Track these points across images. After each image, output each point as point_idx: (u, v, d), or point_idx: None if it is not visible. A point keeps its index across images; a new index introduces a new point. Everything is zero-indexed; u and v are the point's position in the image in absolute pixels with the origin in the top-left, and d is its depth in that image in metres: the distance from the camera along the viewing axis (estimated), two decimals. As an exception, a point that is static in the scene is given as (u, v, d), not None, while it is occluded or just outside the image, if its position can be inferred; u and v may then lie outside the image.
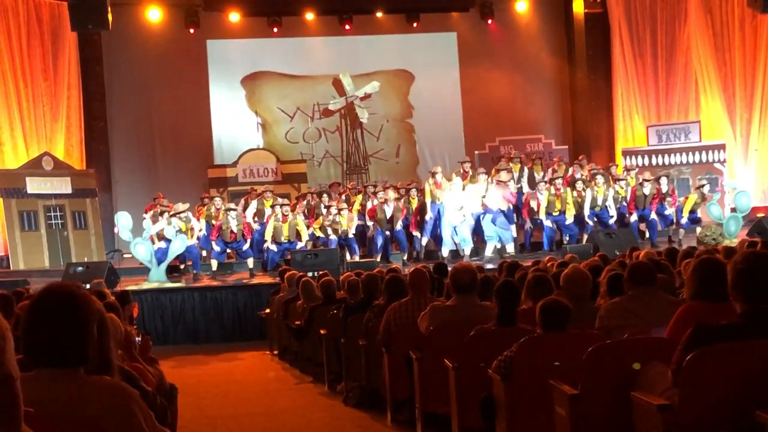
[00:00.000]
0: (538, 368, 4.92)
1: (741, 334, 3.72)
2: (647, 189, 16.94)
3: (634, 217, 16.92)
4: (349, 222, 16.48)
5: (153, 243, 15.64)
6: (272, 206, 16.69)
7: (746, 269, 3.72)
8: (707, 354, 3.71)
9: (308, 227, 16.59)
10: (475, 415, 5.60)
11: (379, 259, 16.29)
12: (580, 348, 4.54)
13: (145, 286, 15.17)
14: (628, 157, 20.16)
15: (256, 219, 16.92)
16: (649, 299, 5.42)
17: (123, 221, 15.90)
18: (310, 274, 12.74)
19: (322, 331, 9.66)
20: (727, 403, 3.68)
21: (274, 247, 16.16)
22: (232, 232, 16.00)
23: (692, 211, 17.03)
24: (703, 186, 17.17)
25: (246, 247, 16.18)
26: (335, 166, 22.29)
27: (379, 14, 21.96)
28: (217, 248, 16.15)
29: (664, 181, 17.10)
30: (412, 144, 22.81)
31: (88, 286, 10.86)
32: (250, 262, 16.32)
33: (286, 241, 16.19)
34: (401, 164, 22.44)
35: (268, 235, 16.20)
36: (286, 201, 16.92)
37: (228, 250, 16.74)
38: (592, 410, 4.44)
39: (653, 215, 16.90)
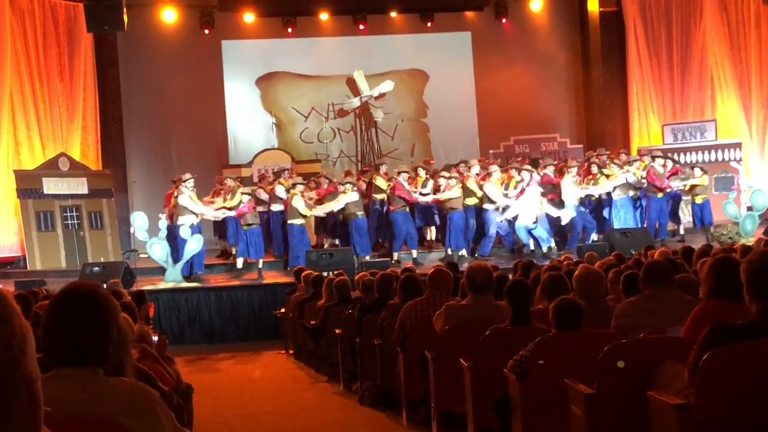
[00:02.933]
0: (553, 368, 4.93)
1: (757, 333, 3.71)
2: (658, 163, 17.00)
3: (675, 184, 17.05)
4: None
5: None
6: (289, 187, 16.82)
7: (761, 268, 3.70)
8: (724, 353, 3.70)
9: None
10: (490, 415, 5.61)
11: (395, 258, 16.33)
12: (596, 347, 4.54)
13: (161, 285, 15.23)
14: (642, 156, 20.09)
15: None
16: (665, 298, 5.41)
17: (139, 221, 15.96)
18: (325, 273, 12.75)
19: (337, 331, 9.67)
20: (744, 403, 3.67)
21: (299, 222, 16.23)
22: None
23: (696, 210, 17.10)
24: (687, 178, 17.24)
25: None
26: (350, 165, 22.28)
27: (393, 14, 21.95)
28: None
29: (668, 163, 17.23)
30: (426, 143, 22.80)
31: (104, 286, 10.92)
32: (240, 262, 16.36)
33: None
34: (416, 164, 22.41)
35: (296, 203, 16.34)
36: (301, 180, 16.99)
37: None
38: (608, 410, 4.44)
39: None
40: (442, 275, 7.43)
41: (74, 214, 18.05)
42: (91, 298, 2.67)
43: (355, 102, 22.12)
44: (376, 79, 22.12)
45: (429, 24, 21.97)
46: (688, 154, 19.62)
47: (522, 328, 5.66)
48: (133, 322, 5.24)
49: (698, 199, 17.00)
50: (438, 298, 7.16)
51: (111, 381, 2.63)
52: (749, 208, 17.30)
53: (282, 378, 11.26)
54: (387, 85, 22.09)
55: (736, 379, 3.69)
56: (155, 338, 6.89)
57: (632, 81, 21.30)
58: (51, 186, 17.82)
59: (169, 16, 21.05)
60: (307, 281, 12.06)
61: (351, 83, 22.17)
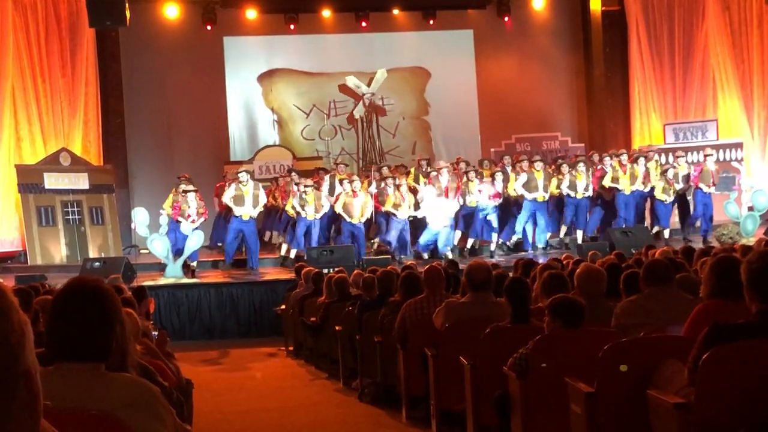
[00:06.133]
0: (554, 366, 4.92)
1: (757, 332, 3.71)
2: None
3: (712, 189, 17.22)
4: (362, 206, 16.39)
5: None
6: (341, 181, 16.86)
7: (761, 268, 3.70)
8: (724, 353, 3.71)
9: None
10: (490, 413, 5.61)
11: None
12: (596, 346, 4.54)
13: (162, 281, 15.24)
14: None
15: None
16: (665, 297, 5.41)
17: (140, 217, 15.97)
18: (325, 270, 12.75)
19: (337, 328, 9.68)
20: (744, 402, 3.67)
21: (356, 220, 16.22)
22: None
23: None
24: (666, 171, 17.22)
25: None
26: (351, 163, 22.27)
27: (395, 11, 21.93)
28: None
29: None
30: (428, 141, 22.79)
31: (105, 281, 10.92)
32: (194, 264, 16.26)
33: (357, 221, 16.25)
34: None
35: (339, 208, 16.28)
36: (356, 177, 16.96)
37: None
38: (608, 408, 4.44)
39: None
40: (436, 273, 7.44)
41: (75, 209, 18.03)
42: (96, 293, 2.67)
43: (361, 107, 22.13)
44: (369, 77, 22.13)
45: (431, 22, 21.95)
46: (689, 153, 19.58)
47: (522, 326, 5.67)
48: (134, 318, 5.24)
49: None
50: (438, 296, 7.17)
51: (112, 376, 2.64)
52: (750, 208, 17.30)
53: (282, 375, 11.27)
54: (381, 74, 22.05)
55: (736, 379, 3.70)
56: (155, 333, 6.90)
57: (634, 80, 21.28)
58: (52, 181, 17.80)
59: (171, 11, 21.04)
60: (308, 278, 12.07)
61: (345, 89, 22.15)
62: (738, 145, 19.68)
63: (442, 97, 22.48)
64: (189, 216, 15.77)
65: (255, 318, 14.75)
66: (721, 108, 20.66)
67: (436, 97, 22.64)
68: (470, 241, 17.08)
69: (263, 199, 16.47)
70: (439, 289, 7.33)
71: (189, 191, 16.01)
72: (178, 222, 15.75)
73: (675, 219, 17.93)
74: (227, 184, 17.17)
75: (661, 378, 4.26)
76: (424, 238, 16.40)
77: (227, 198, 16.31)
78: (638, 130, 21.29)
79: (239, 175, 16.49)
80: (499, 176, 17.00)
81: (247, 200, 16.08)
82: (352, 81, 22.03)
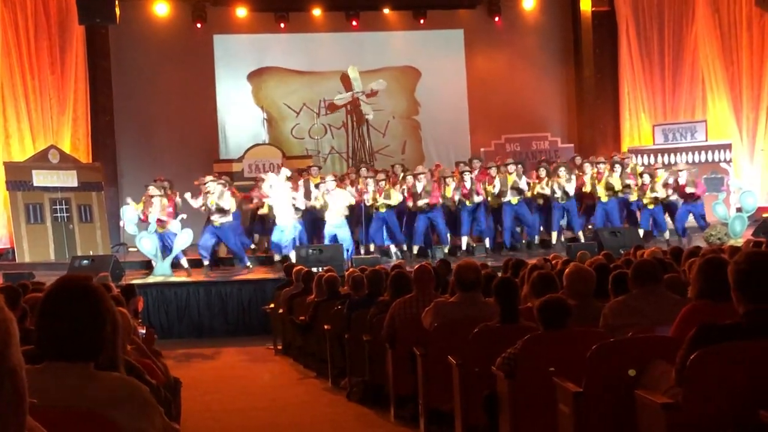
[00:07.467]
0: (542, 366, 4.93)
1: (745, 333, 3.72)
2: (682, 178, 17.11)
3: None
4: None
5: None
6: (317, 185, 16.70)
7: (749, 269, 3.71)
8: (711, 354, 3.71)
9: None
10: (478, 412, 5.62)
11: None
12: (584, 346, 4.55)
13: (150, 279, 15.21)
14: (633, 156, 20.10)
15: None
16: (653, 298, 5.42)
17: (128, 215, 15.93)
18: (314, 269, 12.74)
19: (326, 327, 9.67)
20: (731, 403, 3.68)
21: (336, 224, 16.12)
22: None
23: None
24: (642, 174, 17.20)
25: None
26: (341, 162, 22.28)
27: (386, 11, 21.93)
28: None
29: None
30: (417, 140, 22.80)
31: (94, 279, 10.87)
32: (184, 261, 16.07)
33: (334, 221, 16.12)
34: (407, 161, 22.31)
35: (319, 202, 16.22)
36: (332, 177, 16.76)
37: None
38: (596, 408, 4.44)
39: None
40: (425, 273, 7.43)
41: (63, 206, 17.99)
42: (86, 292, 2.66)
43: (347, 97, 22.09)
44: (368, 76, 22.12)
45: (422, 21, 21.97)
46: (678, 154, 19.67)
47: (511, 326, 5.67)
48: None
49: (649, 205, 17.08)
50: (427, 295, 7.17)
51: (101, 375, 2.63)
52: (738, 210, 17.36)
53: (270, 373, 11.25)
54: (379, 84, 22.06)
55: (723, 379, 3.71)
56: (142, 332, 6.89)
57: (624, 81, 21.34)
58: (40, 178, 17.75)
59: (161, 9, 21.00)
60: (297, 277, 12.06)
61: (344, 78, 22.15)
62: (727, 147, 19.75)
63: (433, 97, 22.50)
64: (159, 220, 15.74)
65: (244, 316, 14.73)
66: (710, 109, 20.73)
67: (426, 96, 22.66)
68: (464, 240, 17.05)
69: (227, 201, 16.08)
70: (428, 288, 7.33)
71: (155, 196, 15.91)
72: (147, 222, 15.74)
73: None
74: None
75: (648, 378, 4.27)
76: (275, 237, 16.22)
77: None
78: (628, 131, 21.36)
79: (207, 185, 16.05)
80: (467, 176, 16.81)
81: (213, 208, 15.87)
82: (354, 74, 21.82)
